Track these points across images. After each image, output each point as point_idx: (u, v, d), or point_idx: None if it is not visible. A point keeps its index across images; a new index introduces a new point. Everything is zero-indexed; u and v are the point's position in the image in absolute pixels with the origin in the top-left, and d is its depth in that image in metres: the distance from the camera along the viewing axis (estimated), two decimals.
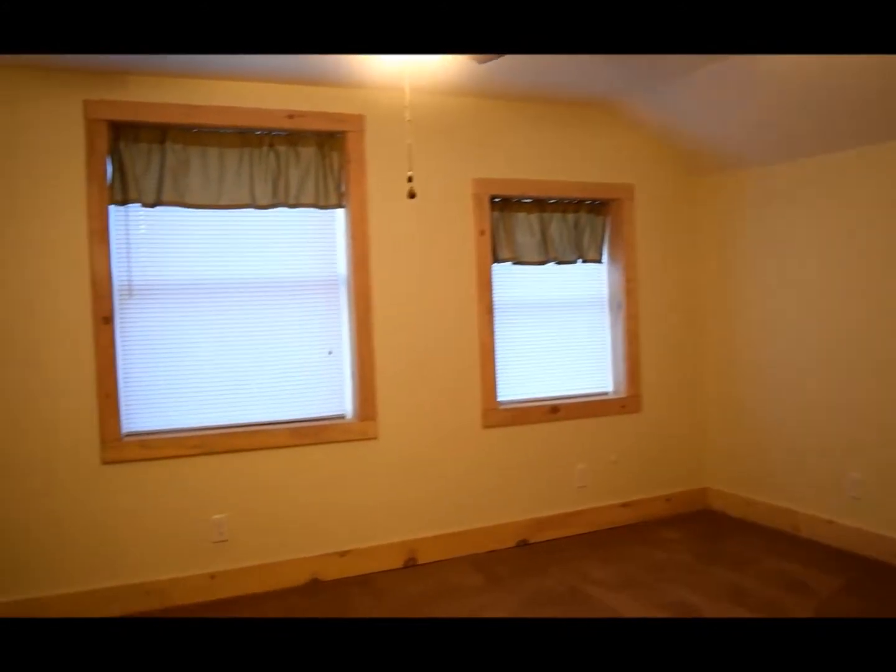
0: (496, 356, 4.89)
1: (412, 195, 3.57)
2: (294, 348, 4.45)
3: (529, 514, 4.94)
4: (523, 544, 4.89)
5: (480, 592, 4.14)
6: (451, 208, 4.73)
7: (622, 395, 5.30)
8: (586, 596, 4.04)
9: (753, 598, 3.90)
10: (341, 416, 4.55)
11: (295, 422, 4.42)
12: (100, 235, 3.97)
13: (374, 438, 4.53)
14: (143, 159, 4.07)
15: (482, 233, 4.80)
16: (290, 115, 4.29)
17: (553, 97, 4.84)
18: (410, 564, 4.59)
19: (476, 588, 4.20)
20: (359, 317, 4.48)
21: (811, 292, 4.70)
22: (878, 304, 4.33)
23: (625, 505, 5.24)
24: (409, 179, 3.70)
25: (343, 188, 4.49)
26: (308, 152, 4.38)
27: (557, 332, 5.17)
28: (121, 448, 4.01)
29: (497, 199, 4.91)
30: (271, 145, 4.31)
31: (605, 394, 5.34)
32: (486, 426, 4.82)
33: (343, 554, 4.44)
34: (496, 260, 4.91)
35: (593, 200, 5.21)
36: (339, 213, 4.53)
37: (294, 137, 4.35)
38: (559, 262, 5.10)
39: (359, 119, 4.45)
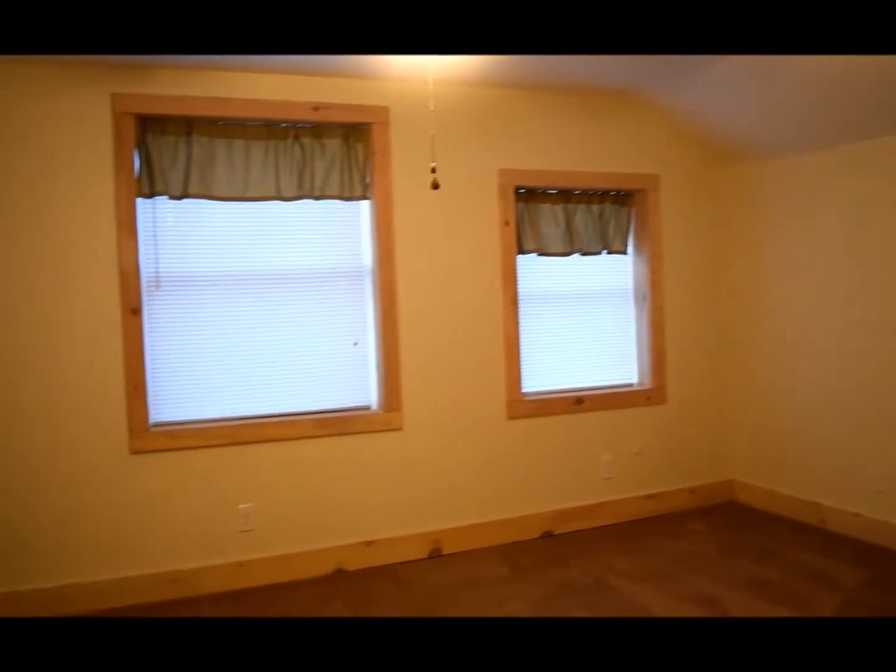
0: (521, 347, 4.89)
1: (436, 186, 3.58)
2: (319, 339, 4.47)
3: (554, 505, 4.95)
4: (548, 535, 4.90)
5: (505, 583, 4.15)
6: (476, 199, 4.73)
7: (647, 386, 5.28)
8: (610, 587, 4.04)
9: (777, 591, 3.89)
10: (366, 407, 4.58)
11: (320, 412, 4.45)
12: (128, 228, 4.00)
13: (399, 429, 4.55)
14: (170, 152, 4.10)
15: (507, 224, 4.79)
16: (316, 108, 4.30)
17: (578, 88, 4.82)
18: (435, 555, 4.61)
19: (500, 579, 4.22)
20: (384, 308, 4.49)
21: (839, 282, 4.66)
22: None
23: (649, 497, 5.23)
24: (433, 170, 3.70)
25: (368, 180, 4.50)
26: (333, 144, 4.40)
27: (582, 323, 5.17)
28: (149, 438, 4.06)
29: (522, 190, 4.90)
30: (296, 137, 4.32)
31: (630, 385, 5.33)
32: (511, 417, 4.83)
33: (368, 544, 4.47)
34: (521, 251, 4.91)
35: (618, 191, 5.19)
36: (364, 205, 4.54)
37: (319, 129, 4.37)
38: (584, 254, 5.09)
39: (383, 111, 4.46)
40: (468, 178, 4.70)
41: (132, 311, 4.02)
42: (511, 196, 4.80)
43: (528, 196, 4.93)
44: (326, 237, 4.48)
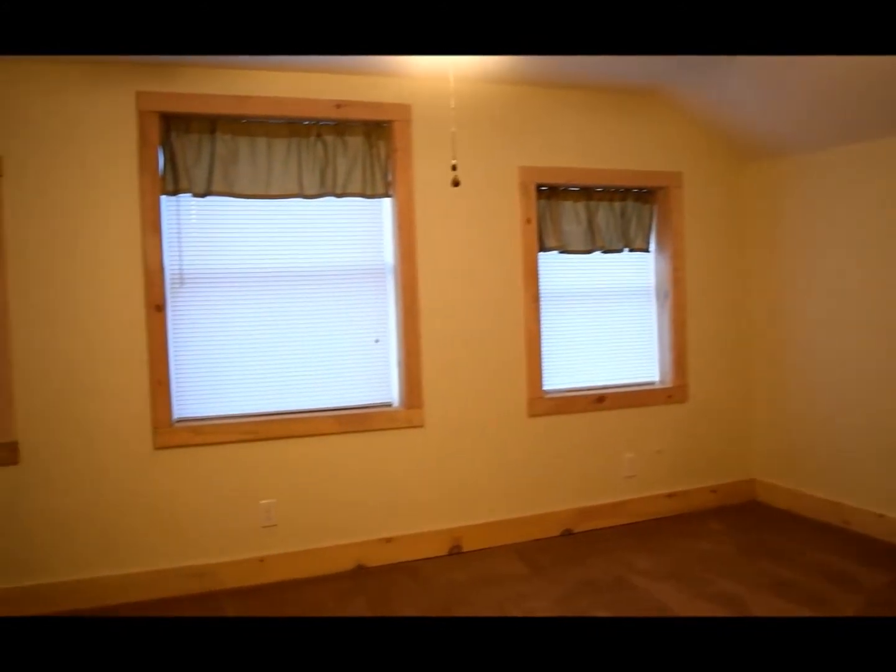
0: (542, 345, 4.88)
1: (456, 183, 3.59)
2: (341, 336, 4.49)
3: (574, 503, 4.95)
4: (568, 534, 4.90)
5: (524, 581, 4.16)
6: (498, 197, 4.73)
7: (669, 384, 5.26)
8: (630, 586, 4.03)
9: (799, 591, 3.87)
10: (388, 404, 4.59)
11: (342, 409, 4.47)
12: (152, 225, 4.04)
13: (420, 426, 4.57)
14: (194, 150, 4.13)
15: (528, 221, 4.79)
16: (338, 105, 4.32)
17: (599, 85, 4.81)
18: (455, 552, 4.62)
19: (520, 577, 4.22)
20: (405, 305, 4.50)
21: (863, 280, 4.62)
22: None
23: (670, 495, 5.21)
24: (454, 168, 3.71)
25: (390, 177, 4.51)
26: (355, 142, 4.41)
27: (603, 321, 5.16)
28: (172, 434, 4.09)
29: (543, 188, 4.89)
30: (319, 135, 4.34)
31: (652, 383, 5.31)
32: (532, 415, 4.83)
33: (388, 540, 4.49)
34: (542, 249, 4.90)
35: (640, 188, 5.17)
36: (386, 203, 4.55)
37: (341, 127, 4.38)
38: (606, 251, 5.08)
39: (405, 108, 4.47)
40: (490, 176, 4.70)
41: (156, 307, 4.05)
42: (532, 193, 4.80)
43: (549, 193, 4.93)
44: (348, 234, 4.49)
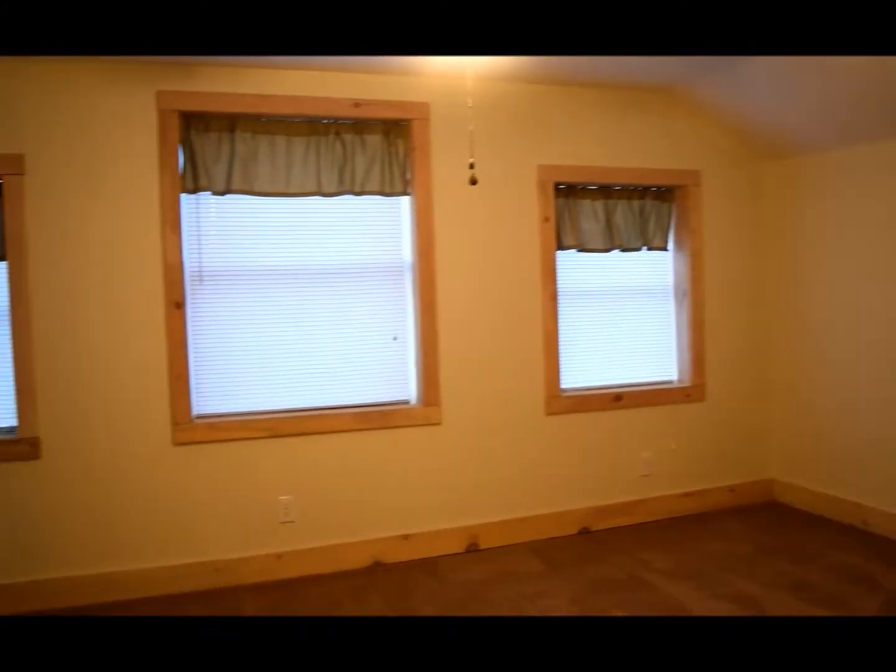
0: (560, 343, 4.88)
1: (474, 182, 3.60)
2: (359, 334, 4.51)
3: (591, 501, 4.94)
4: (585, 532, 4.90)
5: (540, 578, 4.16)
6: (516, 195, 4.73)
7: (686, 383, 5.25)
8: (646, 584, 4.03)
9: (817, 592, 3.85)
10: (405, 402, 4.61)
11: (360, 406, 4.49)
12: (172, 223, 4.07)
13: (438, 424, 4.58)
14: (214, 148, 4.16)
15: (546, 220, 4.79)
16: (357, 104, 4.34)
17: (617, 83, 4.80)
18: (472, 549, 4.63)
19: (536, 574, 4.23)
20: (423, 303, 4.52)
21: (884, 279, 4.59)
22: None
23: (688, 494, 5.20)
24: (471, 166, 3.72)
25: (408, 175, 4.52)
26: (374, 140, 4.43)
27: (621, 319, 5.15)
28: (191, 430, 4.13)
29: (561, 186, 4.89)
30: (338, 133, 4.36)
31: (670, 382, 5.30)
32: (549, 413, 4.83)
33: (405, 537, 4.50)
34: (560, 247, 4.90)
35: (659, 187, 5.16)
36: (405, 201, 4.57)
37: (360, 126, 4.40)
38: (624, 250, 5.07)
39: (424, 107, 4.48)
40: (508, 174, 4.71)
41: (176, 304, 4.09)
42: (551, 192, 4.80)
43: (567, 192, 4.92)
44: (367, 232, 4.51)
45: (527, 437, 4.78)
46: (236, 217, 4.28)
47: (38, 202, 3.88)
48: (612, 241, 5.01)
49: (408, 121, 4.48)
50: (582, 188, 4.95)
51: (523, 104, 4.72)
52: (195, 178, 4.14)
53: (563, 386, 4.91)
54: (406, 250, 4.59)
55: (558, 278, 4.88)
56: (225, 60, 4.05)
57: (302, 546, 4.33)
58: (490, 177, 4.64)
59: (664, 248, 5.21)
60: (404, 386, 4.61)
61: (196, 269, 4.21)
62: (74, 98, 3.92)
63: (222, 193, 4.18)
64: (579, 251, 4.97)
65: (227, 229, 4.27)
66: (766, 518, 5.08)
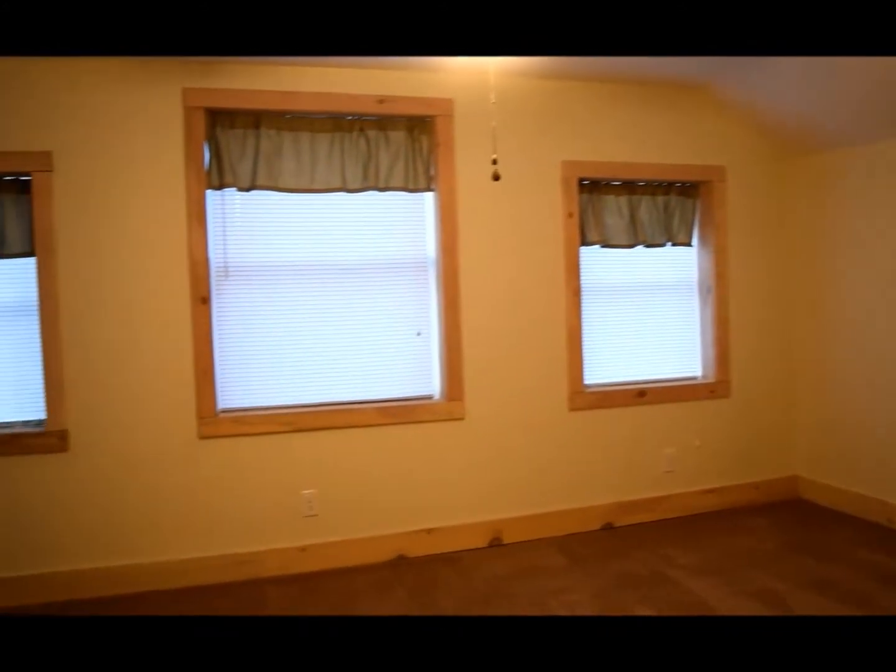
0: (583, 339, 4.88)
1: (497, 177, 3.61)
2: (383, 329, 4.53)
3: (614, 497, 4.94)
4: (608, 527, 4.89)
5: (563, 574, 4.17)
6: (540, 191, 4.73)
7: (711, 379, 5.23)
8: (669, 580, 4.02)
9: (841, 589, 3.82)
10: (429, 397, 4.62)
11: (383, 401, 4.51)
12: (198, 219, 4.11)
13: (461, 419, 4.59)
14: (239, 145, 4.20)
15: (570, 215, 4.78)
16: (381, 100, 4.35)
17: (641, 79, 4.79)
18: (495, 544, 4.64)
19: (559, 569, 4.23)
20: (447, 299, 4.53)
21: None
22: None
23: (712, 491, 5.18)
24: (494, 162, 3.72)
25: (432, 172, 4.53)
26: (398, 136, 4.44)
27: (645, 315, 5.13)
28: (216, 424, 4.17)
29: (585, 182, 4.89)
30: (362, 130, 4.38)
31: (694, 378, 5.28)
32: (573, 409, 4.83)
33: (429, 532, 4.52)
34: (584, 243, 4.90)
35: (683, 183, 5.14)
36: (429, 197, 4.58)
37: (384, 122, 4.42)
38: (648, 245, 5.05)
39: (448, 103, 4.49)
40: (531, 170, 4.71)
41: (201, 299, 4.12)
42: (574, 188, 4.79)
43: (591, 187, 4.92)
44: (391, 228, 4.53)
45: (550, 433, 4.78)
46: (261, 213, 4.31)
47: (65, 198, 3.94)
48: (636, 237, 5.00)
49: (431, 117, 4.49)
50: (606, 184, 4.94)
51: (546, 100, 4.72)
52: (220, 174, 4.18)
53: (586, 382, 4.91)
54: (430, 246, 4.60)
55: (582, 274, 4.88)
56: (249, 58, 4.08)
57: (325, 539, 4.35)
58: (513, 173, 4.64)
59: (688, 244, 5.19)
60: (428, 381, 4.63)
61: (221, 264, 4.25)
62: (101, 95, 3.97)
63: (247, 189, 4.21)
64: (603, 247, 4.96)
65: (252, 225, 4.30)
66: (790, 515, 5.05)
